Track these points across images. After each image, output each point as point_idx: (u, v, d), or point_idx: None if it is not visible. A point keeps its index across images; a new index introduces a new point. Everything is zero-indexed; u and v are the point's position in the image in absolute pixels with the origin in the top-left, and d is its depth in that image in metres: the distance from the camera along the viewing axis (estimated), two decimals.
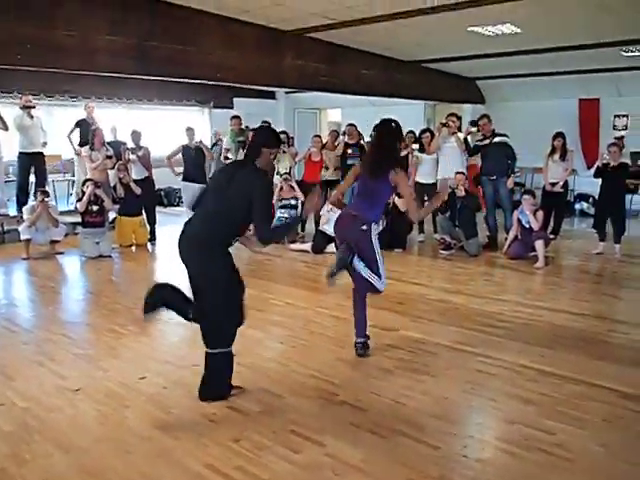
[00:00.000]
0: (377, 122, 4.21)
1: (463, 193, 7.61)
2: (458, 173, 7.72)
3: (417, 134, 8.91)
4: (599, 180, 7.73)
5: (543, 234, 7.18)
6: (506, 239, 7.68)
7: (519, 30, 7.84)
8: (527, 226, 7.21)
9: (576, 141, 11.20)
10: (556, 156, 8.21)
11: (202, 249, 3.30)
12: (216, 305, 3.33)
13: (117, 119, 10.60)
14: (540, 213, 7.19)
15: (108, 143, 8.76)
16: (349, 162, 8.76)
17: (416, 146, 8.52)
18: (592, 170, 8.40)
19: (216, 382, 3.47)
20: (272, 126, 9.55)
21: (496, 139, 7.85)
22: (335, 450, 2.94)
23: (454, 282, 6.33)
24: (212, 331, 3.41)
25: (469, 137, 8.44)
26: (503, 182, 7.86)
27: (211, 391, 3.46)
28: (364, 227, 4.03)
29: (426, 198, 8.33)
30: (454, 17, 7.06)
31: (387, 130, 4.15)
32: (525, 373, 3.89)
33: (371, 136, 8.90)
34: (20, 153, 8.70)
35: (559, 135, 8.30)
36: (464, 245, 7.69)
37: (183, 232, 3.39)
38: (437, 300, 5.62)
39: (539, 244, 6.99)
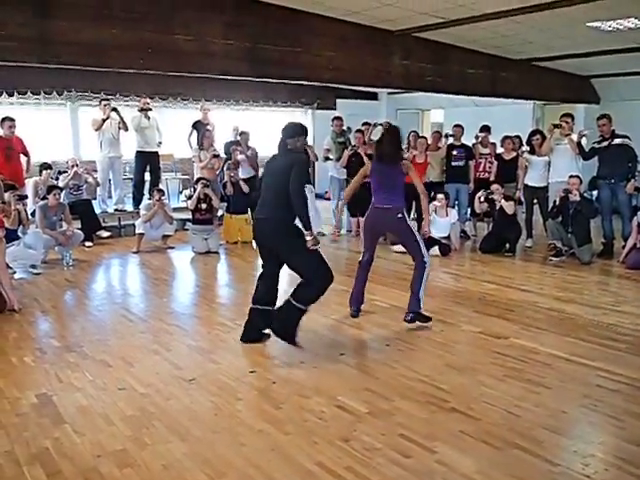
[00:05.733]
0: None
1: (577, 198, 7.22)
2: (572, 177, 7.33)
3: (526, 136, 8.55)
4: None
5: None
6: (623, 247, 7.23)
7: None
8: None
9: None
10: None
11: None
12: None
13: (225, 120, 10.97)
14: None
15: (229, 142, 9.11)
16: (454, 164, 8.58)
17: (526, 148, 8.19)
18: None
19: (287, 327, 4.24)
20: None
21: (616, 140, 7.39)
22: (447, 458, 2.86)
23: (567, 290, 6.01)
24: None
25: (583, 140, 7.96)
26: (622, 186, 7.40)
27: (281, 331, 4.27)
28: (399, 215, 4.64)
29: (536, 201, 7.99)
30: (572, 12, 6.73)
31: (393, 129, 5.00)
32: None
33: (476, 138, 8.76)
34: (137, 152, 9.22)
35: None
36: (576, 252, 7.30)
37: None
38: (548, 308, 5.37)
39: None
